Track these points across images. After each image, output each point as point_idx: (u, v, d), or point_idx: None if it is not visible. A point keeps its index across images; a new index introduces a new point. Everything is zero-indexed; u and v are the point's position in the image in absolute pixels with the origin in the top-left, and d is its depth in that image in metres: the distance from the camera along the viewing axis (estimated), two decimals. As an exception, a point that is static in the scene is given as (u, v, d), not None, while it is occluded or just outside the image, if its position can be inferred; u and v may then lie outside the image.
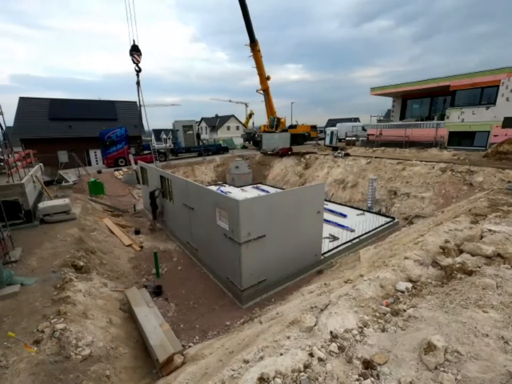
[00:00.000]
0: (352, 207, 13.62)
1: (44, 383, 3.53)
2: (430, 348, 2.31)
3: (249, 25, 24.31)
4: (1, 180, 9.14)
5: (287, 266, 7.46)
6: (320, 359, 2.42)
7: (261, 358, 2.62)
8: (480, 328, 2.52)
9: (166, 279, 8.04)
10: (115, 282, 7.04)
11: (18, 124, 24.31)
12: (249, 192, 17.28)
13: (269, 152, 23.04)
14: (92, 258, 7.43)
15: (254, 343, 3.17)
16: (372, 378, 2.22)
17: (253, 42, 25.07)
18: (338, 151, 19.64)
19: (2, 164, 9.84)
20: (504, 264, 3.67)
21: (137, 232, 10.86)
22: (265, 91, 27.90)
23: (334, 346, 2.56)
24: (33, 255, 6.83)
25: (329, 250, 8.89)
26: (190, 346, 5.26)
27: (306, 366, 2.37)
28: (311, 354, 2.49)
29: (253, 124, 42.26)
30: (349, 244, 9.39)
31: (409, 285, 3.62)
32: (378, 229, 10.49)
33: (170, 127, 25.79)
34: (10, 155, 10.05)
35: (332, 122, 54.64)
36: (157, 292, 7.21)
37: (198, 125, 53.87)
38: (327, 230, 9.92)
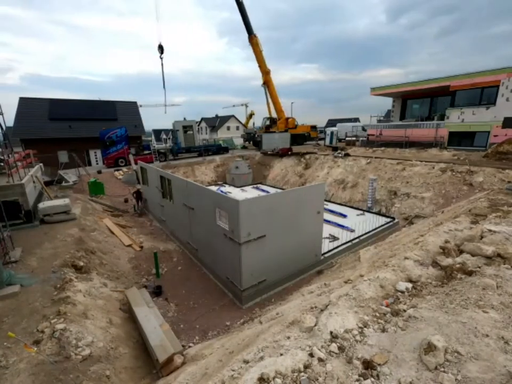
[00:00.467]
0: (352, 207, 13.62)
1: (43, 383, 3.53)
2: (430, 348, 2.31)
3: (245, 19, 24.83)
4: (1, 180, 9.14)
5: (287, 267, 7.46)
6: (320, 359, 2.42)
7: (261, 358, 2.62)
8: (480, 328, 2.52)
9: (166, 279, 8.04)
10: (115, 282, 7.03)
11: (18, 124, 24.30)
12: (249, 192, 17.28)
13: (269, 152, 23.04)
14: (92, 259, 7.43)
15: (254, 343, 3.17)
16: (372, 379, 2.22)
17: (250, 35, 25.39)
18: (338, 151, 19.64)
19: (2, 164, 9.85)
20: (504, 264, 3.67)
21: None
22: (266, 84, 27.90)
23: (334, 347, 2.56)
24: (33, 255, 6.83)
25: (329, 251, 8.88)
26: (190, 347, 5.25)
27: (306, 366, 2.37)
28: (311, 355, 2.49)
29: (253, 124, 42.25)
30: (349, 244, 9.39)
31: (409, 285, 3.62)
32: (378, 229, 10.48)
33: (171, 127, 25.82)
34: (10, 155, 10.06)
35: (332, 123, 54.62)
36: (157, 292, 7.21)
37: (198, 125, 53.90)
38: (327, 230, 9.92)
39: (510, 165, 11.78)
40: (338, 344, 2.59)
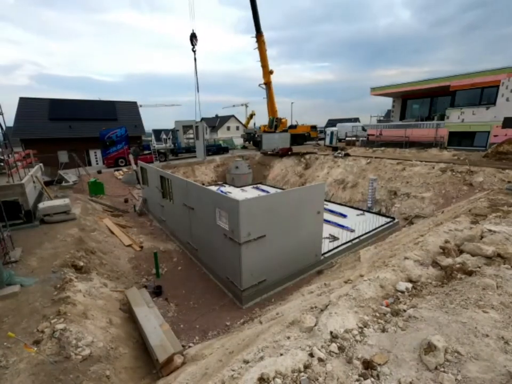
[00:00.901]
0: (352, 207, 13.62)
1: (43, 383, 3.53)
2: (430, 348, 2.31)
3: (256, 16, 24.71)
4: (1, 180, 9.14)
5: (287, 267, 7.46)
6: (320, 359, 2.42)
7: (261, 358, 2.62)
8: (480, 328, 2.52)
9: (166, 279, 8.04)
10: (115, 282, 7.03)
11: (18, 124, 24.30)
12: (249, 192, 17.28)
13: (269, 152, 23.04)
14: (92, 259, 7.43)
15: (254, 343, 3.17)
16: (372, 379, 2.22)
17: (259, 33, 25.30)
18: (338, 151, 19.64)
19: (2, 164, 9.85)
20: (504, 264, 3.67)
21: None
22: (268, 85, 27.87)
23: (334, 347, 2.56)
24: (33, 255, 6.83)
25: (329, 251, 8.88)
26: (190, 347, 5.25)
27: (306, 366, 2.37)
28: (311, 355, 2.49)
29: (254, 124, 42.20)
30: (349, 244, 9.39)
31: (409, 285, 3.62)
32: (378, 229, 10.48)
33: (171, 127, 25.83)
34: (10, 155, 10.05)
35: (332, 123, 54.61)
36: (157, 292, 7.21)
37: (198, 125, 53.78)
38: (327, 230, 9.92)
39: (510, 165, 11.78)
40: (338, 344, 2.59)
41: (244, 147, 32.07)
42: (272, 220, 6.77)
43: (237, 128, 57.86)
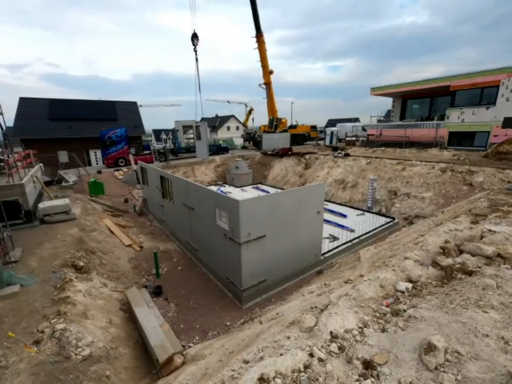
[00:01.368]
0: (352, 207, 13.62)
1: (43, 383, 3.53)
2: (430, 348, 2.31)
3: (256, 16, 24.48)
4: (1, 180, 9.14)
5: (287, 267, 7.46)
6: (320, 359, 2.42)
7: (261, 358, 2.62)
8: (480, 328, 2.52)
9: (166, 279, 8.04)
10: (115, 282, 7.03)
11: (18, 124, 24.30)
12: (249, 192, 17.28)
13: (269, 152, 23.04)
14: (92, 259, 7.43)
15: (254, 343, 3.17)
16: (372, 379, 2.22)
17: (259, 33, 25.12)
18: (339, 151, 19.64)
19: (2, 164, 9.85)
20: (504, 264, 3.67)
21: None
22: (268, 85, 27.85)
23: (334, 347, 2.56)
24: (33, 255, 6.83)
25: (329, 251, 8.88)
26: (190, 347, 5.25)
27: (306, 366, 2.37)
28: (311, 355, 2.49)
29: (253, 120, 41.89)
30: (349, 244, 9.39)
31: (409, 285, 3.62)
32: (378, 229, 10.48)
33: (171, 127, 25.81)
34: (10, 155, 10.05)
35: (332, 123, 54.60)
36: (157, 292, 7.21)
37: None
38: (327, 230, 9.92)
39: (510, 165, 11.78)
40: (338, 344, 2.59)
41: (244, 147, 32.06)
42: (272, 220, 6.77)
43: (237, 128, 57.86)
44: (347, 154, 18.04)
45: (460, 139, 18.60)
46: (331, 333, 2.73)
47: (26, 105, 25.60)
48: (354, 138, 25.82)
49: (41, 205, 9.18)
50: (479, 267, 3.66)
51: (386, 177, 14.19)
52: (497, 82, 16.59)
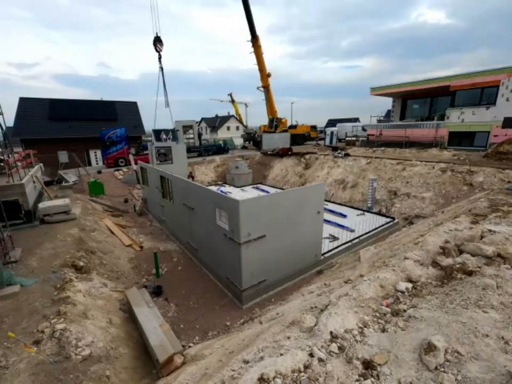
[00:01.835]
0: (352, 207, 13.61)
1: (44, 383, 3.53)
2: (430, 348, 2.31)
3: (250, 20, 24.08)
4: (1, 180, 9.14)
5: (287, 267, 7.46)
6: (320, 360, 2.42)
7: (261, 358, 2.62)
8: (480, 328, 2.52)
9: (166, 279, 8.04)
10: (115, 282, 7.03)
11: (18, 124, 24.31)
12: (249, 192, 17.28)
13: (269, 152, 23.04)
14: (92, 259, 7.43)
15: (254, 343, 3.17)
16: (372, 379, 2.22)
17: (254, 37, 24.85)
18: (339, 151, 19.64)
19: (2, 164, 9.84)
20: (504, 264, 3.67)
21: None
22: (266, 88, 27.81)
23: (334, 347, 2.56)
24: (33, 255, 6.83)
25: (329, 251, 8.88)
26: (190, 347, 5.25)
27: (306, 366, 2.37)
28: (311, 355, 2.49)
29: (246, 116, 40.83)
30: (349, 244, 9.38)
31: (409, 285, 3.62)
32: (378, 229, 10.48)
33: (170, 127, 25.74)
34: (10, 155, 10.05)
35: (332, 123, 54.58)
36: (157, 292, 7.21)
37: (198, 125, 53.69)
38: (327, 230, 9.91)
39: (510, 165, 11.78)
40: (338, 344, 2.59)
41: (244, 147, 32.05)
42: (272, 220, 6.77)
43: (237, 128, 57.81)
44: (347, 154, 18.04)
45: (460, 139, 18.59)
46: (331, 333, 2.73)
47: (26, 105, 25.60)
48: (354, 138, 25.82)
49: (41, 205, 9.18)
50: (479, 267, 3.66)
51: (386, 177, 14.19)
52: (497, 82, 16.59)
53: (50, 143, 23.34)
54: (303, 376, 2.27)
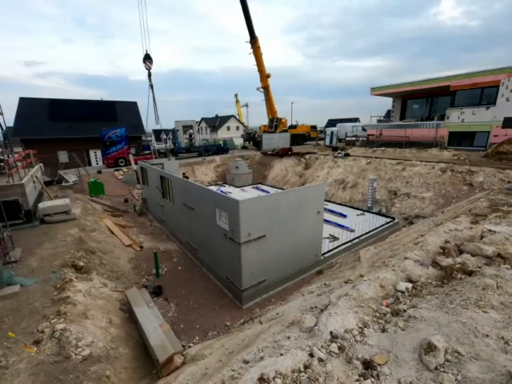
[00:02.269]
0: (352, 207, 13.62)
1: (43, 383, 3.53)
2: (430, 348, 2.31)
3: (249, 21, 23.99)
4: (1, 180, 9.14)
5: (287, 267, 7.46)
6: (320, 360, 2.42)
7: (261, 358, 2.62)
8: (480, 328, 2.52)
9: (166, 279, 8.04)
10: (115, 282, 7.03)
11: (18, 124, 24.31)
12: (249, 192, 17.29)
13: (269, 152, 23.04)
14: (92, 259, 7.43)
15: (254, 343, 3.17)
16: (372, 379, 2.22)
17: (253, 38, 24.78)
18: (339, 151, 19.64)
19: (2, 164, 9.85)
20: (504, 264, 3.67)
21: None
22: (266, 89, 27.79)
23: (334, 347, 2.56)
24: (33, 255, 6.83)
25: (329, 251, 8.89)
26: (190, 347, 5.25)
27: (306, 366, 2.37)
28: (311, 355, 2.49)
29: (247, 114, 40.61)
30: (349, 244, 9.39)
31: (409, 285, 3.61)
32: (378, 229, 10.49)
33: (171, 127, 25.75)
34: (10, 155, 10.05)
35: (332, 123, 54.59)
36: (157, 292, 7.21)
37: (198, 125, 53.77)
38: (327, 230, 9.92)
39: (510, 165, 11.78)
40: (338, 344, 2.59)
41: (244, 147, 32.05)
42: (272, 220, 6.77)
43: (237, 128, 57.84)
44: (347, 154, 18.05)
45: (460, 139, 18.59)
46: (331, 333, 2.73)
47: (26, 105, 25.61)
48: (354, 138, 25.81)
49: (41, 205, 9.18)
50: (479, 267, 3.66)
51: (386, 177, 14.19)
52: (497, 82, 16.59)
53: (50, 143, 23.35)
54: (303, 376, 2.27)
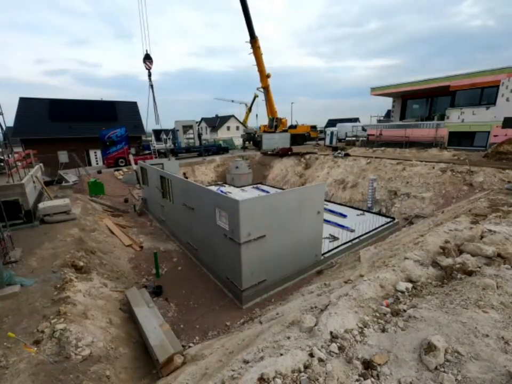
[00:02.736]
0: (352, 207, 13.62)
1: (44, 383, 3.53)
2: (430, 348, 2.31)
3: (249, 21, 23.90)
4: (1, 180, 9.14)
5: (287, 267, 7.46)
6: (320, 360, 2.42)
7: (261, 358, 2.62)
8: (480, 328, 2.52)
9: (166, 279, 8.04)
10: (115, 282, 7.03)
11: (18, 124, 24.32)
12: (249, 192, 17.29)
13: (269, 152, 23.04)
14: (92, 259, 7.43)
15: (254, 343, 3.17)
16: (372, 379, 2.22)
17: (253, 38, 24.69)
18: (339, 151, 19.63)
19: (2, 164, 9.85)
20: (504, 264, 3.67)
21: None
22: (266, 89, 27.77)
23: (334, 347, 2.56)
24: (33, 255, 6.83)
25: (329, 251, 8.88)
26: (190, 347, 5.25)
27: (306, 366, 2.37)
28: (311, 355, 2.49)
29: (257, 116, 40.50)
30: (349, 244, 9.39)
31: (409, 285, 3.62)
32: (378, 229, 10.48)
33: (170, 127, 25.75)
34: (10, 155, 10.05)
35: (332, 123, 54.59)
36: (157, 292, 7.21)
37: (198, 125, 53.68)
38: (327, 230, 9.91)
39: (510, 165, 11.78)
40: (338, 344, 2.59)
41: (244, 147, 32.06)
42: (272, 220, 6.77)
43: (237, 128, 57.81)
44: (347, 154, 18.04)
45: (460, 139, 18.59)
46: (331, 333, 2.73)
47: (26, 105, 25.61)
48: (354, 138, 25.81)
49: (41, 205, 9.18)
50: (479, 267, 3.66)
51: (386, 177, 14.19)
52: (497, 82, 16.59)
53: (50, 143, 23.36)
54: (303, 376, 2.27)
